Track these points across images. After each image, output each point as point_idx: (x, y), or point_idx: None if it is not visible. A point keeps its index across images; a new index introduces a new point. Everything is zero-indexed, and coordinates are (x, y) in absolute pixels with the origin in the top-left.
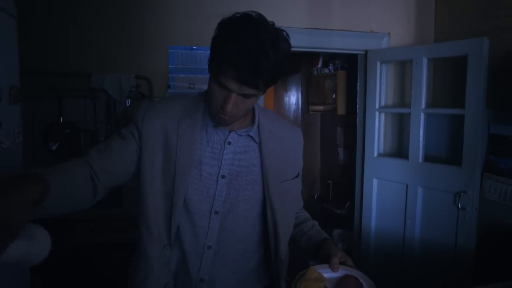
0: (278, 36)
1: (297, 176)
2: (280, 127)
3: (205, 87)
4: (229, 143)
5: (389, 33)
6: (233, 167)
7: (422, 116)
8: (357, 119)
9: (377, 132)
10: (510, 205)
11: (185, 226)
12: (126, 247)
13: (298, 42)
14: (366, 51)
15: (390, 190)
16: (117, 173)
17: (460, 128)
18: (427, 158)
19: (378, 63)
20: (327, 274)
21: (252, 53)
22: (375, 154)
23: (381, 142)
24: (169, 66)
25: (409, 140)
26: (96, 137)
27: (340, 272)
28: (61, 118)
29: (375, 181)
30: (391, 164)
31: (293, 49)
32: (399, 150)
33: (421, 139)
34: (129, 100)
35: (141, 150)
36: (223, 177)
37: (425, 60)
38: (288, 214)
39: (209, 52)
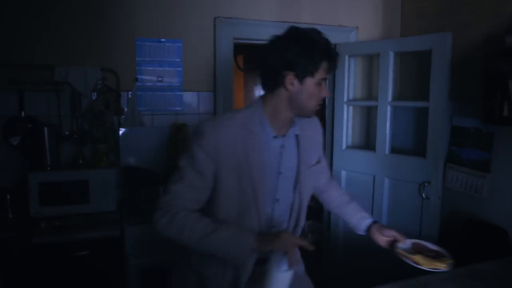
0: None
1: (318, 161)
2: (306, 121)
3: (174, 79)
4: (283, 146)
5: (357, 27)
6: (286, 164)
7: (389, 108)
8: (326, 112)
9: (346, 125)
10: (471, 194)
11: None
12: (89, 245)
13: (267, 35)
14: (335, 45)
15: (358, 182)
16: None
17: (425, 121)
18: (394, 150)
19: (347, 57)
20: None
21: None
22: (344, 147)
23: (349, 134)
24: (137, 58)
25: (376, 132)
26: (61, 131)
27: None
28: (23, 113)
29: (343, 173)
30: (359, 156)
31: (263, 42)
32: (367, 142)
33: (387, 131)
34: (95, 94)
35: (217, 172)
36: (280, 173)
37: (391, 54)
38: (309, 192)
39: (178, 44)
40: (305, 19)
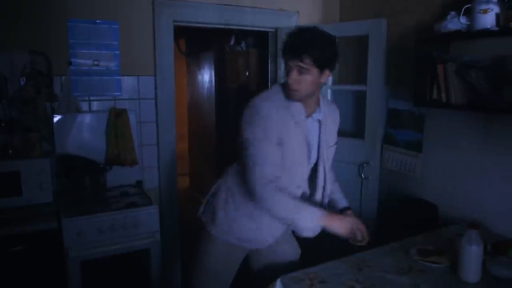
0: (321, 32)
1: (335, 143)
2: (330, 110)
3: (111, 63)
4: (309, 124)
5: (298, 12)
6: (311, 140)
7: (329, 92)
8: None
9: None
10: (405, 172)
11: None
12: (24, 240)
13: (209, 18)
14: (277, 29)
15: None
16: None
17: (364, 104)
18: None
19: None
20: None
21: (298, 36)
22: None
23: None
24: (70, 41)
25: None
26: None
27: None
28: None
29: None
30: None
31: (203, 24)
32: None
33: None
34: (24, 79)
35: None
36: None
37: None
38: (329, 167)
39: (114, 26)
40: (246, 2)
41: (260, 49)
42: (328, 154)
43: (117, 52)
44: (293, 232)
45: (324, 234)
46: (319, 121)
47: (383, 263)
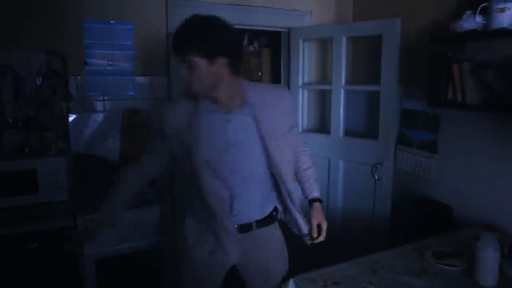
0: (202, 20)
1: (291, 128)
2: (268, 94)
3: (125, 63)
4: (230, 122)
5: (311, 12)
6: (237, 138)
7: (342, 92)
8: None
9: (301, 109)
10: (420, 173)
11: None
12: (39, 237)
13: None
14: (289, 29)
15: None
16: None
17: (377, 104)
18: (348, 133)
19: (301, 41)
20: None
21: (179, 29)
22: (300, 130)
23: (305, 118)
24: (85, 41)
25: (331, 115)
26: (3, 118)
27: None
28: None
29: None
30: (315, 139)
31: None
32: (322, 125)
33: (341, 114)
34: (40, 79)
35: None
36: (232, 146)
37: (344, 39)
38: (287, 160)
39: (128, 26)
40: (259, 2)
41: (273, 49)
42: (281, 145)
43: (131, 52)
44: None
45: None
46: (254, 116)
47: (397, 265)
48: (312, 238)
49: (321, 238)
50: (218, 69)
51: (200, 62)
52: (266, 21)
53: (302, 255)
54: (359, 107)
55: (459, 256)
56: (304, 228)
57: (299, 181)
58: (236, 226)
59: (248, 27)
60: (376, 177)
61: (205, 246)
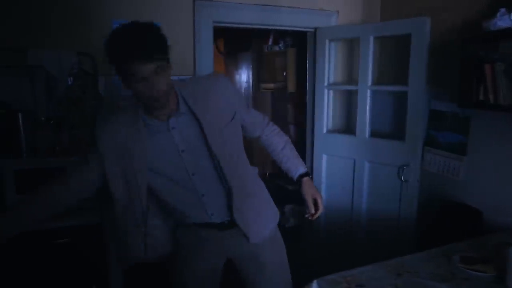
0: (146, 24)
1: (234, 116)
2: (202, 87)
3: None
4: (173, 128)
5: (337, 11)
6: (185, 141)
7: (369, 93)
8: (307, 96)
9: (326, 109)
10: (448, 176)
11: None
12: (69, 233)
13: (247, 18)
14: (315, 29)
15: (339, 165)
16: None
17: (404, 105)
18: (374, 134)
19: (327, 41)
20: None
21: (133, 38)
22: (325, 131)
23: (330, 118)
24: None
25: (356, 116)
26: (36, 117)
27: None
28: None
29: (324, 157)
30: (340, 140)
31: (242, 25)
32: (347, 126)
33: (367, 115)
34: (71, 78)
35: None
36: (182, 151)
37: (371, 39)
38: (228, 149)
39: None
40: (285, 2)
41: (299, 49)
42: (225, 137)
43: None
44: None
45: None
46: (192, 113)
47: (423, 269)
48: (312, 215)
49: (320, 211)
50: (171, 70)
51: (167, 66)
52: (291, 21)
53: (325, 257)
54: (385, 107)
55: (488, 262)
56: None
57: (280, 163)
58: (216, 223)
59: (273, 27)
60: (403, 179)
61: (197, 252)
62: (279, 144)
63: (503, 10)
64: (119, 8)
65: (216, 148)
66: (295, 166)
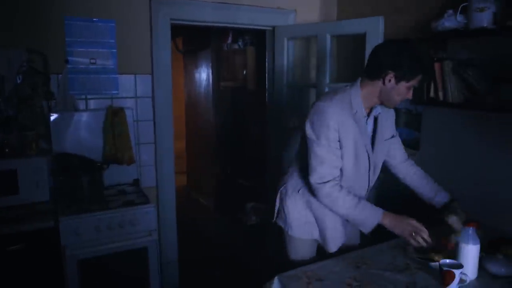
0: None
1: (393, 136)
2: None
3: (108, 61)
4: (367, 123)
5: (295, 10)
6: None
7: (327, 90)
8: (267, 95)
9: (285, 106)
10: None
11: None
12: (21, 239)
13: (206, 16)
14: (274, 27)
15: None
16: None
17: None
18: None
19: (285, 39)
20: None
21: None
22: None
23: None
24: (66, 39)
25: None
26: None
27: None
28: None
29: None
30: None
31: (201, 23)
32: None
33: None
34: (20, 77)
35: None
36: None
37: (328, 37)
38: (381, 158)
39: (111, 24)
40: (244, 0)
41: (258, 47)
42: (383, 148)
43: (114, 50)
44: None
45: None
46: (375, 117)
47: (381, 260)
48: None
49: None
50: None
51: None
52: (250, 19)
53: None
54: None
55: (441, 250)
56: None
57: (421, 187)
58: None
59: (233, 26)
60: None
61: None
62: (417, 171)
63: (450, 11)
64: (70, 4)
65: (377, 151)
66: (439, 191)
